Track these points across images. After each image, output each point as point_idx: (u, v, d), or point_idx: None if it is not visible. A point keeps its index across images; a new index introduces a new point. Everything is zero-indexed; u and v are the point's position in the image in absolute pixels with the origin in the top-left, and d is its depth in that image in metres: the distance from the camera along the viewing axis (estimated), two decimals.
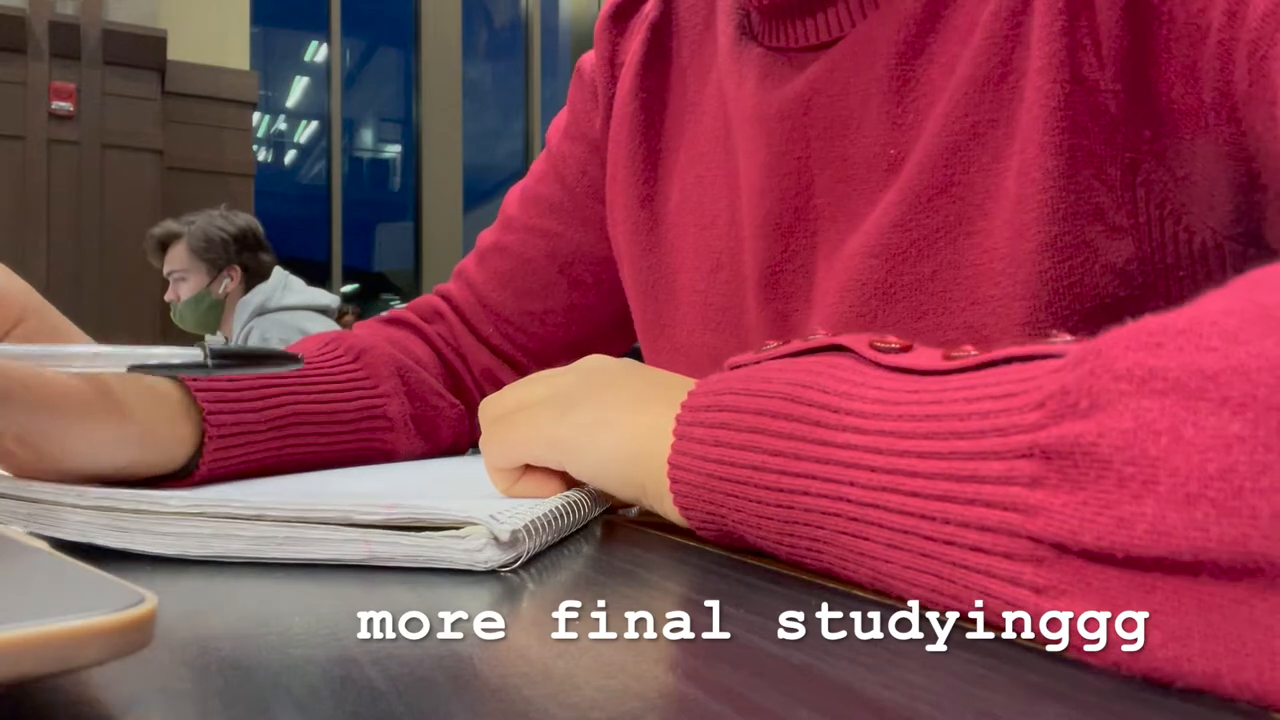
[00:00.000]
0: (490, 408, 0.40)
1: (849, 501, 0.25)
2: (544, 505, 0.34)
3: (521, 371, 0.66)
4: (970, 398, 0.23)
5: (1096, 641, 0.19)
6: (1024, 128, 0.39)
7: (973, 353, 0.25)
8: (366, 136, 5.62)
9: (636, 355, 0.57)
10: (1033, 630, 0.21)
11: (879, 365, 0.28)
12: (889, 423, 0.25)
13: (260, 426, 0.44)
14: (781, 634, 0.22)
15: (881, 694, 0.18)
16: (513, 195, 0.69)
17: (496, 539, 0.29)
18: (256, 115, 3.51)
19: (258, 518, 0.30)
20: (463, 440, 0.61)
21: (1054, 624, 0.20)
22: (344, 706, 0.17)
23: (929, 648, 0.21)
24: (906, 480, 0.24)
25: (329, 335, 0.55)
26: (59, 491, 0.31)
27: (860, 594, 0.26)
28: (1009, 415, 0.22)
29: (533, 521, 0.31)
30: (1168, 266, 0.38)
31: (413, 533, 0.29)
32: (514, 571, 0.29)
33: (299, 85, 5.42)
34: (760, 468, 0.28)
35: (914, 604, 0.24)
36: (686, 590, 0.27)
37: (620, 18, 0.63)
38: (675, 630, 0.23)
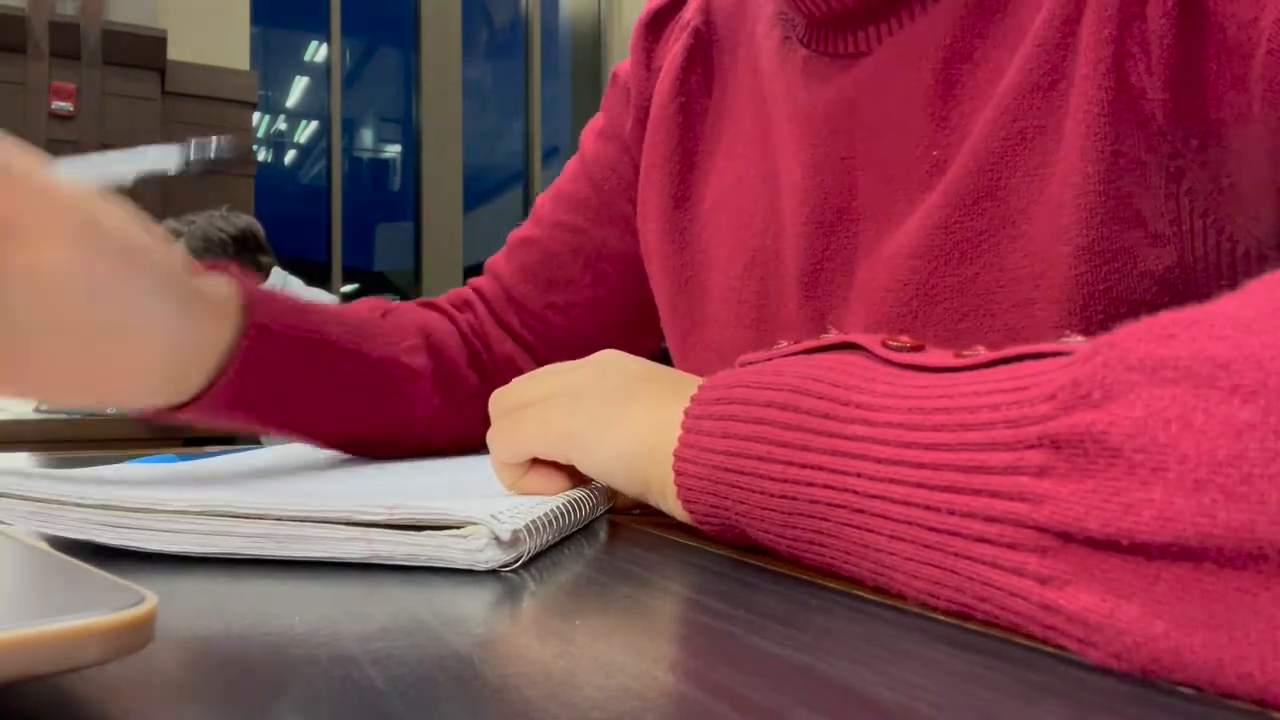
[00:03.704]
0: (500, 401, 0.40)
1: (854, 493, 0.25)
2: (546, 504, 0.34)
3: (541, 361, 0.68)
4: (980, 391, 0.23)
5: (1099, 631, 0.19)
6: (1069, 133, 0.39)
7: (984, 352, 0.26)
8: (366, 136, 5.62)
9: (663, 358, 0.57)
10: (1035, 621, 0.21)
11: (890, 363, 0.28)
12: (897, 415, 0.25)
13: (294, 334, 0.48)
14: (781, 634, 0.22)
15: (881, 694, 0.18)
16: (545, 195, 0.73)
17: (498, 539, 0.29)
18: (256, 115, 3.50)
19: (259, 516, 0.30)
20: (479, 418, 0.65)
21: (1056, 614, 0.20)
22: (344, 706, 0.17)
23: (929, 648, 0.21)
24: (913, 471, 0.24)
25: (359, 300, 0.61)
26: (60, 490, 0.31)
27: (860, 593, 0.26)
28: (1019, 407, 0.22)
29: (534, 521, 0.31)
30: (1210, 276, 0.38)
31: (414, 532, 0.29)
32: (514, 571, 0.29)
33: (299, 85, 5.42)
34: (766, 458, 0.28)
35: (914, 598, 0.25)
36: (687, 590, 0.27)
37: (656, 25, 0.65)
38: (675, 629, 0.23)
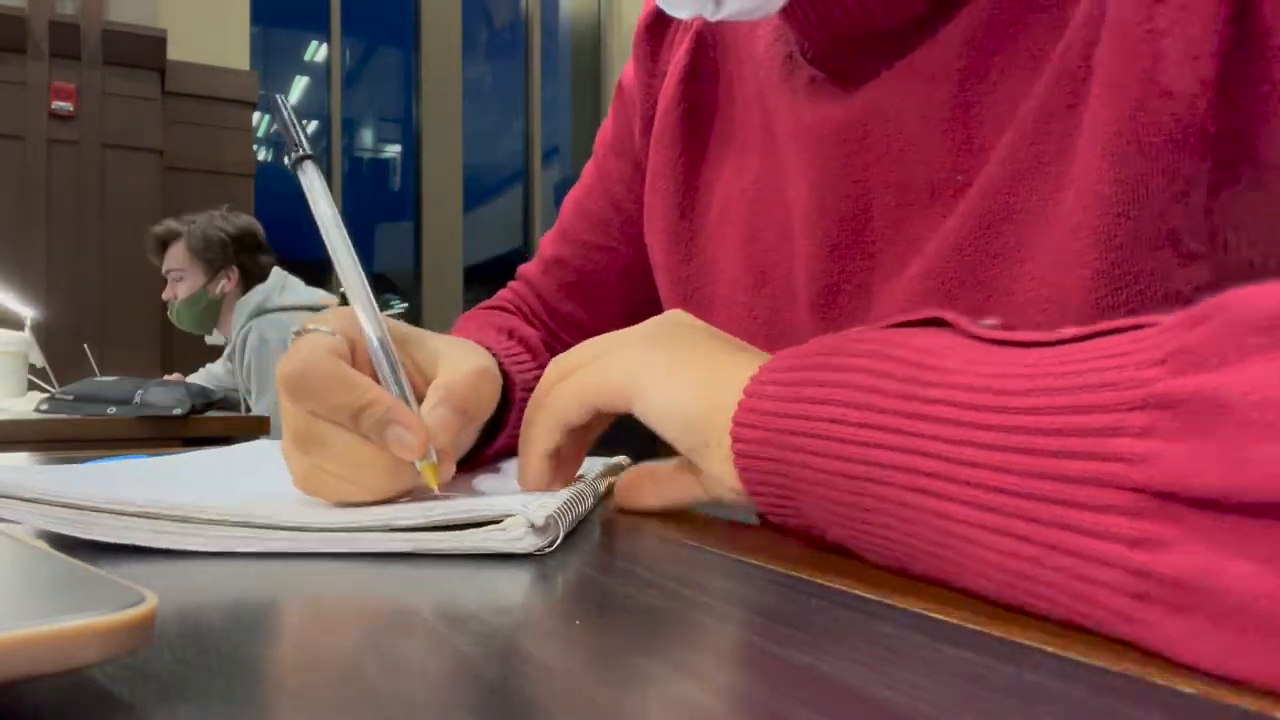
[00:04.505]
0: (558, 366, 0.40)
1: (928, 455, 0.25)
2: (559, 497, 0.35)
3: None
4: (1076, 358, 0.23)
5: (1195, 594, 0.19)
6: (1084, 154, 0.38)
7: (1072, 330, 0.25)
8: (366, 136, 5.62)
9: None
10: (1121, 591, 0.20)
11: (978, 337, 0.27)
12: (981, 379, 0.25)
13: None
14: (781, 634, 0.22)
15: (881, 694, 0.17)
16: (569, 203, 0.72)
17: (533, 525, 0.31)
18: (256, 115, 3.50)
19: (300, 529, 0.31)
20: None
21: (1147, 579, 0.20)
22: (344, 706, 0.17)
23: (929, 648, 0.21)
24: (994, 435, 0.23)
25: (493, 324, 0.61)
26: (101, 499, 0.31)
27: (862, 593, 0.26)
28: (1122, 371, 0.21)
29: (557, 509, 0.33)
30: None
31: (453, 530, 0.31)
32: (513, 573, 0.29)
33: (299, 85, 5.42)
34: (840, 420, 0.28)
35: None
36: (687, 589, 0.27)
37: (658, 26, 0.63)
38: (676, 628, 0.24)
